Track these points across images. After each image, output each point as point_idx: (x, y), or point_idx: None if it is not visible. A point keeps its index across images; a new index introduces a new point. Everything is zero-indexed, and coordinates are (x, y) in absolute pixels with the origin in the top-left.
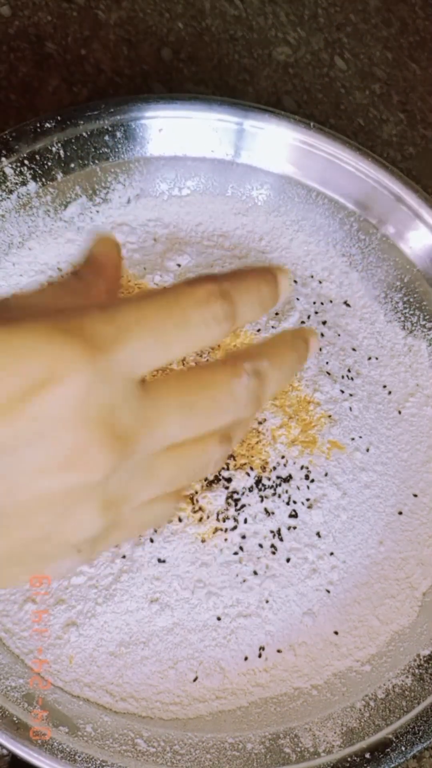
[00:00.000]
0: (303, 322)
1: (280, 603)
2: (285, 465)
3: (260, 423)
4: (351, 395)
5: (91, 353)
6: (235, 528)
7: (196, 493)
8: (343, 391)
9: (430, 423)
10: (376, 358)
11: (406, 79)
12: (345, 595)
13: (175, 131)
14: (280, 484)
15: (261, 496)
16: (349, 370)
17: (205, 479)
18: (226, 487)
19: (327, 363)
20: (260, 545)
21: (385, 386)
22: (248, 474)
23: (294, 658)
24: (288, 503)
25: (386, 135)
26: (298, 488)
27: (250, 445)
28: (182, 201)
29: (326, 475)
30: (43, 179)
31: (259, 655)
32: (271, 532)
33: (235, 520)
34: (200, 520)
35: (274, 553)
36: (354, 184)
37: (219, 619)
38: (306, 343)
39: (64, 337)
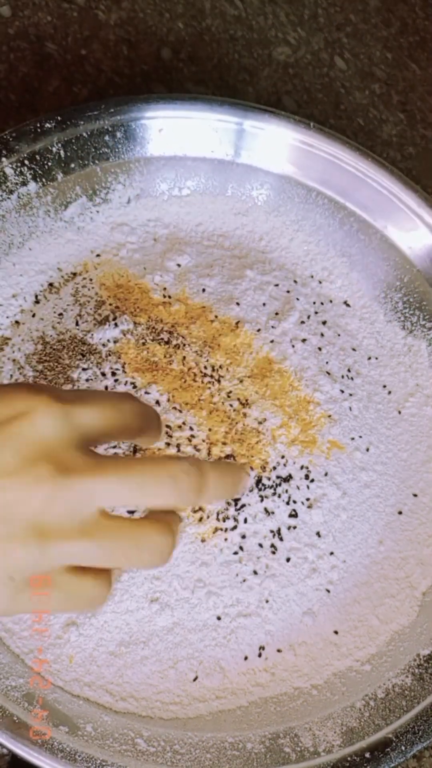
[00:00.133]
0: (303, 322)
1: (280, 603)
2: (285, 465)
3: (260, 423)
4: (351, 395)
5: (58, 403)
6: (235, 528)
7: None
8: (342, 391)
9: (430, 423)
10: (376, 358)
11: (406, 79)
12: (345, 595)
13: (175, 131)
14: (280, 484)
15: (261, 496)
16: (349, 370)
17: None
18: None
19: (327, 363)
20: (260, 545)
21: (384, 386)
22: (248, 474)
23: (294, 657)
24: (288, 503)
25: (386, 135)
26: (298, 488)
27: (250, 445)
28: (182, 201)
29: (326, 474)
30: (44, 179)
31: (259, 655)
32: (271, 531)
33: (235, 519)
34: (200, 519)
35: (274, 552)
36: (354, 184)
37: (219, 618)
38: (245, 473)
39: (40, 392)
